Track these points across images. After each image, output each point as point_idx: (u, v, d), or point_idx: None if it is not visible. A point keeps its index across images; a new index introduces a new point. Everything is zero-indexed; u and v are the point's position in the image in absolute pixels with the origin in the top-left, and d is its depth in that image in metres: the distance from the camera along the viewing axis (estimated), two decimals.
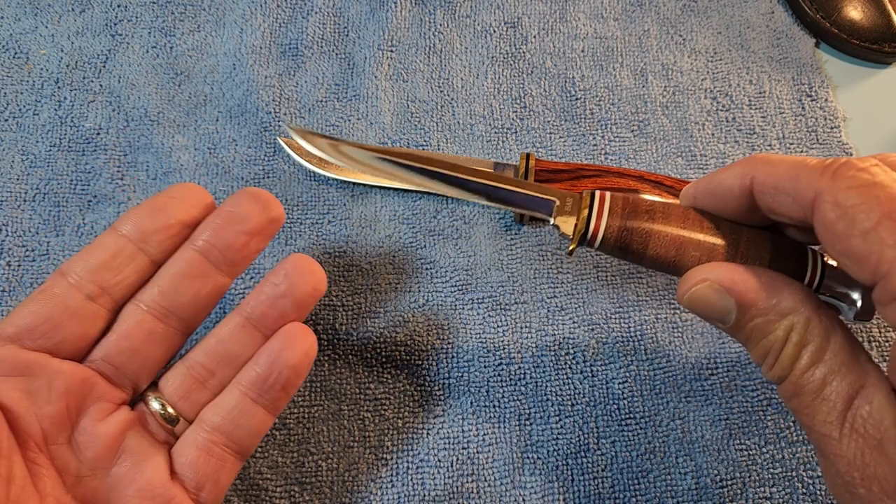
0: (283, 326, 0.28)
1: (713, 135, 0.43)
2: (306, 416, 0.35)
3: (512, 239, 0.40)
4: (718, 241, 0.24)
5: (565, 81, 0.45)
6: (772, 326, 0.22)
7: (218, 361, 0.28)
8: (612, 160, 0.42)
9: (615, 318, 0.38)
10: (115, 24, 0.45)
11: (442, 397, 0.36)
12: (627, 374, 0.37)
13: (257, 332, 0.29)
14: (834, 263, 0.25)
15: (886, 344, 0.38)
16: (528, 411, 0.36)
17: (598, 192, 0.27)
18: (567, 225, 0.28)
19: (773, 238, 0.25)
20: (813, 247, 0.25)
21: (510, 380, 0.36)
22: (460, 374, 0.36)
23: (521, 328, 0.37)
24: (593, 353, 0.37)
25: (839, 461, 0.20)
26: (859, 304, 0.24)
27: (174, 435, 0.28)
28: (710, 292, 0.23)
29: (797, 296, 0.22)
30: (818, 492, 0.34)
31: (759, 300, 0.22)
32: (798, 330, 0.22)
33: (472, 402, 0.36)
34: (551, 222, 0.28)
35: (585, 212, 0.26)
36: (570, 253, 0.27)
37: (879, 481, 0.19)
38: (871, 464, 0.20)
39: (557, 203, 0.28)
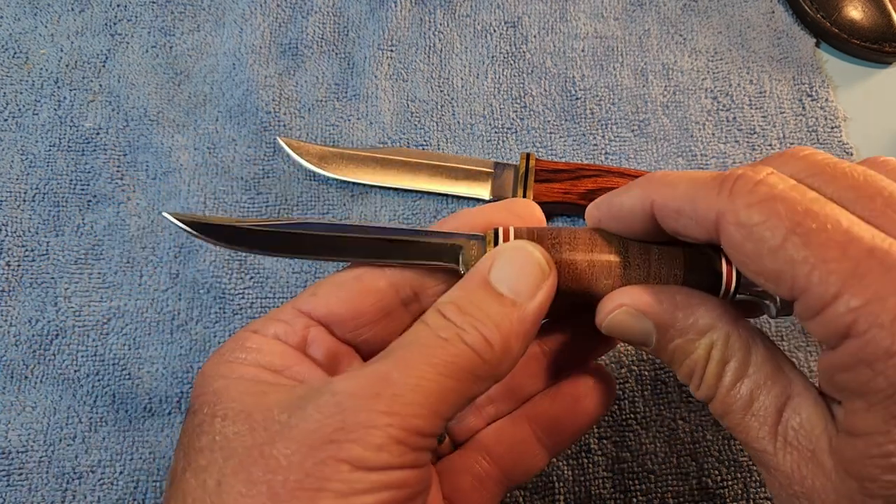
0: (586, 370, 0.26)
1: (714, 134, 0.43)
2: None
3: None
4: (628, 262, 0.23)
5: (565, 81, 0.45)
6: (692, 346, 0.22)
7: (501, 391, 0.26)
8: (612, 160, 0.42)
9: None
10: (115, 24, 0.45)
11: None
12: (629, 375, 0.36)
13: (548, 366, 0.27)
14: None
15: None
16: None
17: (501, 229, 0.24)
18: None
19: (685, 252, 0.24)
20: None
21: None
22: None
23: None
24: None
25: (779, 475, 0.20)
26: (779, 300, 0.23)
27: (435, 452, 0.26)
28: (627, 317, 0.23)
29: (713, 312, 0.22)
30: None
31: (676, 320, 0.22)
32: (719, 347, 0.21)
33: None
34: (462, 271, 0.24)
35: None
36: None
37: (818, 493, 0.19)
38: (809, 476, 0.19)
39: (464, 249, 0.24)
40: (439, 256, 0.24)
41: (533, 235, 0.24)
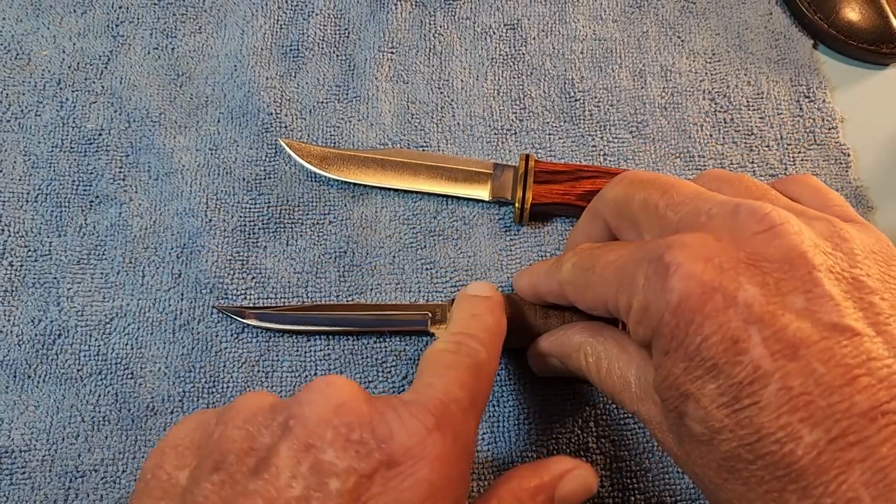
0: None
1: (711, 136, 0.44)
2: None
3: (512, 239, 0.40)
4: (547, 316, 0.34)
5: (564, 83, 0.45)
6: (577, 359, 0.30)
7: None
8: (610, 161, 0.43)
9: None
10: (117, 26, 0.46)
11: None
12: None
13: None
14: None
15: None
16: (527, 410, 0.36)
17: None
18: (440, 331, 0.35)
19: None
20: None
21: (509, 379, 0.37)
22: None
23: None
24: None
25: (650, 426, 0.27)
26: None
27: None
28: (539, 356, 0.33)
29: (579, 334, 0.30)
30: None
31: (563, 349, 0.31)
32: (587, 353, 0.30)
33: None
34: (431, 332, 0.36)
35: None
36: None
37: (663, 425, 0.26)
38: (657, 415, 0.26)
39: (430, 315, 0.36)
40: (411, 325, 0.36)
41: None
